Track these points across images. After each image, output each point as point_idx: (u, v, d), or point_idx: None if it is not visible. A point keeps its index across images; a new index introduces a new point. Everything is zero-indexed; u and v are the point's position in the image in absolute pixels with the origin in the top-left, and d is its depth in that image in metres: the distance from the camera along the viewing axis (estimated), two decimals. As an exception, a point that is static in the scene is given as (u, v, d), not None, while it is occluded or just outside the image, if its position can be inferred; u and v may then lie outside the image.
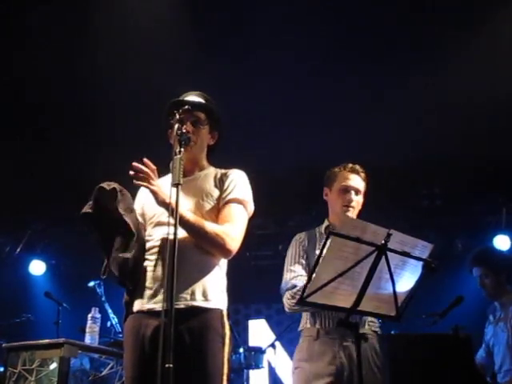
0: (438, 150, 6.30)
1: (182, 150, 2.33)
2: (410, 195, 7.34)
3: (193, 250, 2.53)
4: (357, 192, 3.27)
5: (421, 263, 2.43)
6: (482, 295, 4.66)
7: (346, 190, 3.26)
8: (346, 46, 5.42)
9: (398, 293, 2.44)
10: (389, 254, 2.34)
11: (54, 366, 3.55)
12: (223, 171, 2.78)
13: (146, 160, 2.47)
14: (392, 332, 4.84)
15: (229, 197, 2.66)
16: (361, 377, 2.39)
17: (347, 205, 3.24)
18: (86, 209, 2.52)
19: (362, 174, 3.32)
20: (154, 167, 2.49)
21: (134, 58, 5.41)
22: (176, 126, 2.40)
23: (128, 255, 2.48)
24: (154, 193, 2.46)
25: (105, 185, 2.52)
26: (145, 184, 2.45)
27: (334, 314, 3.05)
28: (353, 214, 3.26)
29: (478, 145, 6.01)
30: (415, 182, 7.06)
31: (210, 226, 2.53)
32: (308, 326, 3.15)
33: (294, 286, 3.11)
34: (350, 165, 3.33)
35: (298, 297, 3.02)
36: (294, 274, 3.18)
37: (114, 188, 2.51)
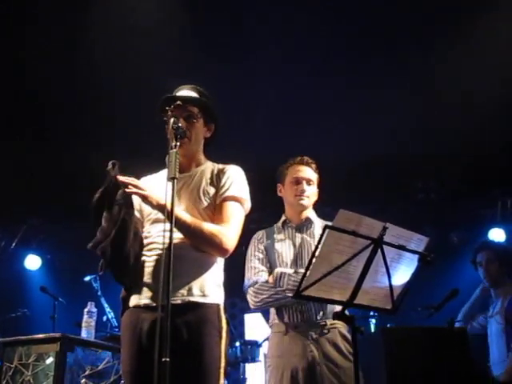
0: (434, 143, 6.31)
1: (178, 144, 2.33)
2: (405, 188, 7.34)
3: (190, 247, 2.53)
4: (308, 182, 3.31)
5: (416, 256, 2.43)
6: (477, 288, 4.69)
7: (298, 181, 3.30)
8: (343, 42, 5.42)
9: (393, 286, 2.45)
10: (385, 247, 2.34)
11: (50, 360, 3.55)
12: (220, 167, 2.76)
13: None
14: (388, 325, 4.87)
15: (225, 194, 2.64)
16: (357, 370, 2.39)
17: (300, 194, 3.28)
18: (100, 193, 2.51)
19: (313, 165, 3.37)
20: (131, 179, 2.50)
21: (133, 57, 5.39)
22: (172, 119, 2.39)
23: (129, 252, 2.48)
24: (145, 198, 2.46)
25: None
26: (134, 191, 2.45)
27: (301, 309, 3.09)
28: (308, 203, 3.30)
29: (473, 138, 6.02)
30: (411, 175, 7.06)
31: (206, 227, 2.52)
32: (276, 321, 3.17)
33: (256, 282, 3.16)
34: (299, 157, 3.39)
35: (260, 292, 3.06)
36: (255, 271, 3.22)
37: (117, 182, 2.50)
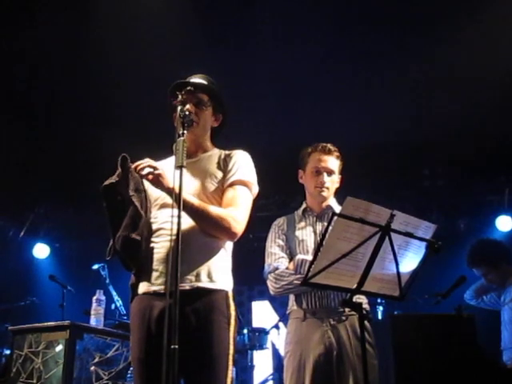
0: (441, 130, 6.29)
1: (186, 132, 2.33)
2: (412, 176, 7.33)
3: (198, 232, 2.53)
4: (329, 173, 3.26)
5: (424, 244, 2.43)
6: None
7: (319, 171, 3.25)
8: (352, 29, 5.39)
9: (401, 273, 2.45)
10: (392, 234, 2.34)
11: (59, 348, 3.57)
12: (227, 152, 2.77)
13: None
14: (395, 312, 4.87)
15: (232, 178, 2.64)
16: (364, 356, 2.40)
17: (320, 186, 3.24)
18: (113, 179, 2.50)
19: (335, 153, 3.29)
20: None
21: (135, 44, 5.38)
22: (179, 107, 2.39)
23: (138, 237, 2.49)
24: (160, 176, 2.43)
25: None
26: (146, 174, 2.43)
27: (320, 295, 3.08)
28: (327, 194, 3.27)
29: (480, 125, 6.00)
30: (418, 162, 7.05)
31: (214, 210, 2.52)
32: (295, 307, 3.17)
33: (276, 268, 3.15)
34: (322, 145, 3.31)
35: (281, 278, 3.05)
36: (275, 257, 3.22)
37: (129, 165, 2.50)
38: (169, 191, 2.43)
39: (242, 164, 2.70)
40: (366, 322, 3.04)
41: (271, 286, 3.17)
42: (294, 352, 3.06)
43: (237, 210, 2.56)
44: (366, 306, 3.07)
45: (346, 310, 3.02)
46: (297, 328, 3.11)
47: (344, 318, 3.04)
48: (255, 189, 2.72)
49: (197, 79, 2.79)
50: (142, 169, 2.43)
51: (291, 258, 3.19)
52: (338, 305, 3.04)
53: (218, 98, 2.80)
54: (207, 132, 2.82)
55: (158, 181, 2.44)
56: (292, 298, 3.22)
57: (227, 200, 2.59)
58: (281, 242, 3.26)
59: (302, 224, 3.29)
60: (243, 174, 2.66)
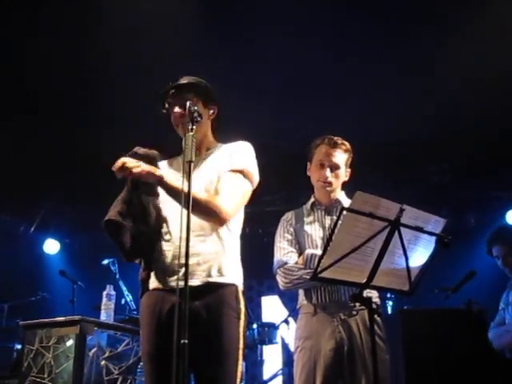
0: (449, 124, 6.26)
1: (194, 127, 2.33)
2: (421, 171, 7.31)
3: (207, 227, 2.54)
4: (334, 167, 3.20)
5: (434, 238, 2.42)
6: (494, 270, 4.66)
7: (323, 165, 3.21)
8: (359, 21, 5.36)
9: (411, 268, 2.44)
10: (402, 229, 2.33)
11: (70, 342, 3.59)
12: (230, 144, 2.77)
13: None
14: (405, 307, 4.86)
15: (229, 167, 2.63)
16: (374, 350, 2.40)
17: (323, 180, 3.21)
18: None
19: (343, 147, 3.23)
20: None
21: (135, 43, 5.38)
22: (188, 103, 2.39)
23: (116, 218, 2.49)
24: (142, 175, 2.41)
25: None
26: (127, 173, 2.39)
27: (330, 289, 3.06)
28: (330, 189, 3.22)
29: (489, 119, 5.97)
30: (427, 157, 7.03)
31: (202, 196, 2.48)
32: (305, 302, 3.15)
33: (286, 263, 3.13)
34: (328, 138, 3.25)
35: (290, 273, 3.05)
36: (284, 251, 3.19)
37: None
38: (156, 178, 2.42)
39: (240, 153, 2.69)
40: (376, 317, 3.04)
41: (280, 280, 3.16)
42: (305, 347, 3.05)
43: (225, 195, 2.54)
44: (376, 300, 3.06)
45: (357, 304, 2.97)
46: (307, 323, 3.10)
47: (355, 312, 3.02)
48: (253, 177, 2.68)
49: (181, 81, 2.77)
50: (121, 170, 2.39)
51: (300, 252, 3.17)
52: (348, 299, 3.01)
53: (204, 91, 2.76)
54: (207, 127, 2.81)
55: (145, 175, 2.41)
56: (302, 292, 3.20)
57: (219, 186, 2.58)
58: (289, 237, 3.25)
59: (311, 218, 3.27)
60: (238, 162, 2.65)
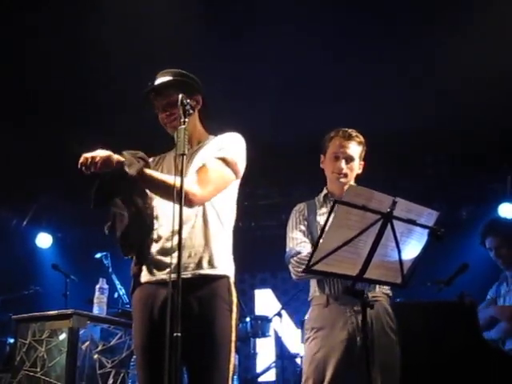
0: (443, 118, 6.27)
1: (187, 120, 2.32)
2: (414, 163, 7.33)
3: (199, 219, 2.54)
4: (348, 159, 3.19)
5: (426, 231, 2.42)
6: (487, 262, 4.69)
7: (337, 157, 3.19)
8: (359, 21, 5.36)
9: (403, 260, 2.45)
10: (394, 221, 2.33)
11: (63, 336, 3.59)
12: (219, 137, 2.76)
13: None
14: (397, 300, 4.87)
15: (213, 155, 2.61)
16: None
17: (338, 172, 3.19)
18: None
19: (357, 139, 3.22)
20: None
21: (135, 38, 5.36)
22: (180, 96, 2.38)
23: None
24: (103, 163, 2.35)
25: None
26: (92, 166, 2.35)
27: (343, 280, 3.01)
28: (345, 180, 3.20)
29: (482, 112, 5.97)
30: (420, 150, 7.04)
31: (172, 180, 2.32)
32: (317, 294, 3.12)
33: (299, 253, 3.09)
34: (343, 130, 3.23)
35: (303, 263, 3.03)
36: (297, 241, 3.15)
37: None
38: (121, 167, 2.36)
39: (226, 142, 2.68)
40: (389, 309, 3.03)
41: (294, 270, 3.09)
42: (316, 337, 3.01)
43: (199, 178, 2.51)
44: (388, 291, 3.07)
45: (370, 295, 2.91)
46: (319, 314, 3.06)
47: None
48: (235, 165, 2.64)
49: (159, 80, 2.75)
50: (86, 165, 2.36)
51: (313, 243, 3.13)
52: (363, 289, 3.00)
53: (183, 84, 2.72)
54: (195, 117, 2.78)
55: (104, 164, 2.35)
56: (314, 284, 3.16)
57: (197, 170, 2.56)
58: (302, 227, 3.20)
59: (324, 210, 3.23)
60: (222, 150, 2.62)
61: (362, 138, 3.25)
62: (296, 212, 3.31)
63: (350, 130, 3.23)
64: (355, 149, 3.21)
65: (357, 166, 3.25)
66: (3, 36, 5.26)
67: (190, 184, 2.44)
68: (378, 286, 3.02)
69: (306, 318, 3.22)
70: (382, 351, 2.83)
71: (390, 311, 3.01)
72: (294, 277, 3.12)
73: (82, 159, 2.35)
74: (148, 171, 2.44)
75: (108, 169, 2.35)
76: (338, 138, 3.21)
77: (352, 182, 3.24)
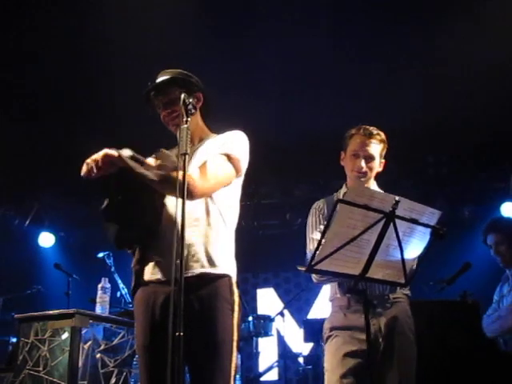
0: (445, 117, 6.27)
1: (189, 119, 2.32)
2: (416, 163, 7.32)
3: (200, 218, 2.54)
4: (368, 158, 3.11)
5: (429, 230, 2.42)
6: (489, 262, 4.68)
7: (357, 155, 3.11)
8: (359, 15, 5.35)
9: (406, 260, 2.44)
10: (397, 221, 2.32)
11: (65, 335, 3.59)
12: (222, 134, 2.76)
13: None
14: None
15: (216, 152, 2.61)
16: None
17: (358, 171, 3.12)
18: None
19: (378, 137, 3.13)
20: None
21: (135, 31, 5.36)
22: (182, 95, 2.38)
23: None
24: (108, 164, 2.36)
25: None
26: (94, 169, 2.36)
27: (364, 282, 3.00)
28: (364, 179, 3.12)
29: (484, 112, 5.97)
30: (422, 149, 7.04)
31: (175, 174, 2.32)
32: (338, 295, 3.07)
33: None
34: (364, 128, 3.14)
35: None
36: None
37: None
38: (126, 166, 2.36)
39: (229, 139, 2.68)
40: (409, 310, 2.99)
41: (314, 274, 3.01)
42: (338, 336, 2.98)
43: (201, 173, 2.50)
44: (407, 292, 3.04)
45: (391, 296, 2.94)
46: (341, 316, 3.02)
47: (389, 305, 2.96)
48: (238, 162, 2.64)
49: (159, 79, 2.75)
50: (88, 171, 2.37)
51: None
52: (385, 291, 2.96)
53: (184, 82, 2.72)
54: (197, 118, 2.78)
55: (109, 164, 2.36)
56: (335, 285, 3.10)
57: (199, 166, 2.55)
58: (322, 227, 3.08)
59: None
60: (225, 146, 2.63)
61: (383, 136, 3.17)
62: (315, 210, 3.22)
63: (371, 128, 3.15)
64: (376, 147, 3.14)
65: (377, 165, 3.17)
66: (3, 36, 5.27)
67: (191, 176, 2.42)
68: (398, 288, 2.97)
69: (325, 318, 3.15)
70: (401, 351, 2.84)
71: (410, 313, 2.98)
72: (314, 280, 3.05)
73: (84, 169, 2.36)
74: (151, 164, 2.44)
75: (112, 168, 2.37)
76: (358, 136, 3.14)
77: (372, 181, 3.19)
